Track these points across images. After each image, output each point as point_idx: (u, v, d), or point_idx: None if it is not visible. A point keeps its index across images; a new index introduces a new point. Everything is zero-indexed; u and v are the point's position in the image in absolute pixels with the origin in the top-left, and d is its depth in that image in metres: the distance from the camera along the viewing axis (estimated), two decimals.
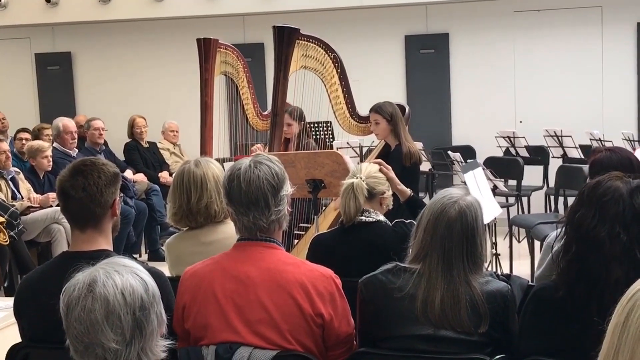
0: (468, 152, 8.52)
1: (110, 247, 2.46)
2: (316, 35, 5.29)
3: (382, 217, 3.26)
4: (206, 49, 5.87)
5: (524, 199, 7.95)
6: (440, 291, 2.32)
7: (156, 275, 2.44)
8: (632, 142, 6.96)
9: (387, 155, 5.58)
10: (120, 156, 8.35)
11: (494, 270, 5.97)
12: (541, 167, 8.19)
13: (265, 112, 5.89)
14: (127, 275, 1.63)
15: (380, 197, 3.32)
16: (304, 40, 5.29)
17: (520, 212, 7.74)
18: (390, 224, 3.24)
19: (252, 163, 2.41)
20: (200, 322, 2.36)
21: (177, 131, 8.81)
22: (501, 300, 2.35)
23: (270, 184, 2.39)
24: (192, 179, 3.12)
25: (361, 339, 2.49)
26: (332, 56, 5.37)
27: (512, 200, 7.54)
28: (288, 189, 2.47)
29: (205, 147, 5.96)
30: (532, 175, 7.97)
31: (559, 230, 2.31)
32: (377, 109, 5.43)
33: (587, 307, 2.12)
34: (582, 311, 2.14)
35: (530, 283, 2.99)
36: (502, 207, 7.47)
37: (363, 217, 3.20)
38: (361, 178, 3.23)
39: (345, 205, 3.19)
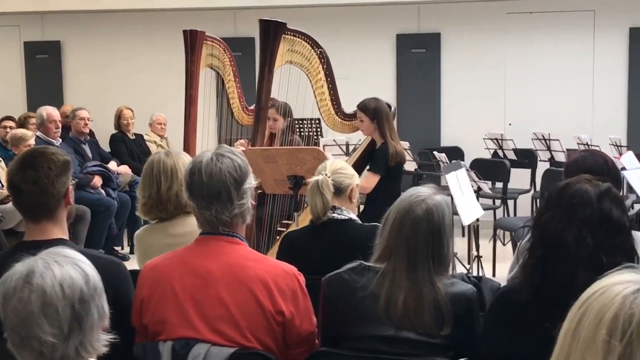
0: (456, 153, 8.47)
1: (65, 236, 2.41)
2: (307, 31, 5.22)
3: (353, 215, 3.21)
4: (192, 41, 5.81)
5: (511, 202, 7.91)
6: (404, 291, 2.27)
7: (114, 264, 2.39)
8: (619, 148, 6.91)
9: (372, 152, 5.54)
10: (106, 147, 8.29)
11: (468, 272, 5.91)
12: (529, 171, 8.15)
13: (251, 107, 5.82)
14: (67, 267, 1.57)
15: (349, 192, 3.25)
16: (290, 35, 5.23)
17: (506, 215, 7.70)
18: (361, 223, 3.18)
19: (214, 155, 2.35)
20: (157, 317, 2.31)
21: (164, 124, 8.73)
22: (466, 303, 2.30)
23: (233, 176, 2.33)
24: (162, 168, 3.07)
25: (323, 337, 2.43)
26: (318, 52, 5.31)
27: (499, 202, 7.51)
28: (252, 182, 2.41)
29: (189, 141, 5.90)
30: (520, 178, 7.93)
31: (526, 233, 2.26)
32: (361, 106, 5.37)
33: (551, 313, 2.06)
34: (546, 316, 2.08)
35: (502, 286, 2.94)
36: (488, 209, 7.44)
37: (335, 215, 3.14)
38: (326, 174, 3.17)
39: (312, 203, 3.13)
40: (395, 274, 2.29)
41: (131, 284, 2.44)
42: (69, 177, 2.42)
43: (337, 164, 3.29)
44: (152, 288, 2.34)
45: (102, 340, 1.62)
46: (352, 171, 3.34)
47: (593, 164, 2.95)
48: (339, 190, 3.19)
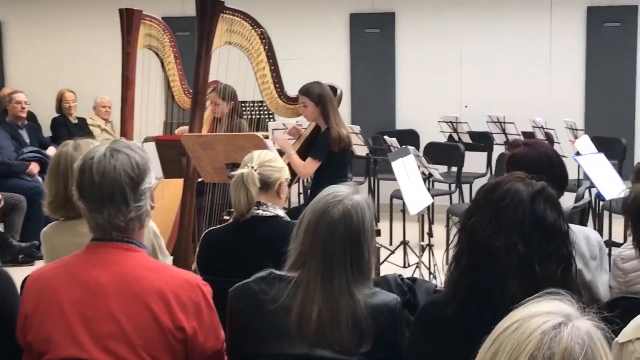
0: (412, 137, 8.26)
1: None
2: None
3: (280, 212, 2.96)
4: (129, 21, 5.54)
5: (466, 187, 7.72)
6: (318, 303, 2.01)
7: None
8: (574, 131, 6.74)
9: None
10: (48, 132, 7.95)
11: (420, 263, 5.70)
12: (485, 154, 7.96)
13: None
14: None
15: (277, 187, 2.99)
16: (229, 13, 4.94)
17: (461, 201, 7.51)
18: (290, 220, 2.94)
19: (108, 151, 2.08)
20: (42, 334, 2.04)
21: (109, 107, 8.38)
22: (388, 315, 2.05)
23: (129, 175, 2.06)
24: (69, 164, 2.78)
25: (231, 356, 2.18)
26: (259, 32, 5.03)
27: (454, 187, 7.32)
28: (151, 182, 2.14)
29: (125, 126, 5.61)
30: (475, 162, 7.73)
31: (454, 236, 2.03)
32: (304, 91, 5.14)
33: (478, 327, 1.84)
34: (473, 331, 1.85)
35: (438, 287, 2.72)
36: (443, 194, 7.25)
37: (260, 211, 2.89)
38: (253, 167, 2.91)
39: (235, 199, 2.88)
40: (309, 284, 2.04)
41: (17, 297, 2.17)
42: None
43: (265, 156, 3.04)
44: (37, 301, 2.07)
45: None
46: (282, 164, 3.09)
47: (537, 157, 2.73)
48: (267, 185, 2.94)
